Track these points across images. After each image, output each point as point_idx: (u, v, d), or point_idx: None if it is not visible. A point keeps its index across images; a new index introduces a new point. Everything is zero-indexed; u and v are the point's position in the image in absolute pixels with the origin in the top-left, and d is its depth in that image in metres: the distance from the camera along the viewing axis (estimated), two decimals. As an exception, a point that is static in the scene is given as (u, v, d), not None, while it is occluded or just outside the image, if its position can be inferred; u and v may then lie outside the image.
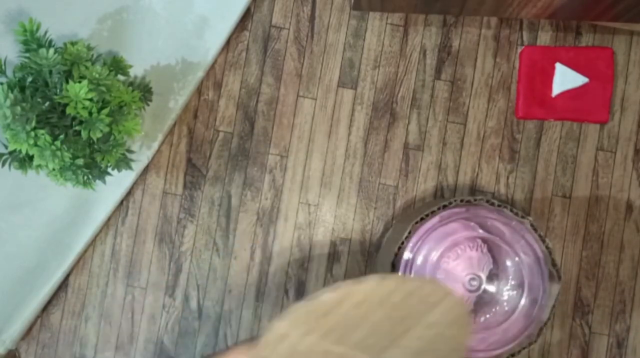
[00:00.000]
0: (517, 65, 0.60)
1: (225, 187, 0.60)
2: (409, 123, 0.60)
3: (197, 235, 0.60)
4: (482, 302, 0.57)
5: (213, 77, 0.61)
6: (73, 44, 0.49)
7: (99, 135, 0.47)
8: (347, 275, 0.59)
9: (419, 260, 0.53)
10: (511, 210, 0.54)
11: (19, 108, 0.44)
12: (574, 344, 0.60)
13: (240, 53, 0.61)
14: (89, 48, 0.50)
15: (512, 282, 0.57)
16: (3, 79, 0.50)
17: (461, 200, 0.53)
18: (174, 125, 0.60)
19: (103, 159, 0.50)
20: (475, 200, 0.55)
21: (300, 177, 0.60)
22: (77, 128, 0.48)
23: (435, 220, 0.52)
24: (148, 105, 0.56)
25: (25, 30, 0.48)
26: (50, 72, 0.47)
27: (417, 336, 0.38)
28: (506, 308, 0.56)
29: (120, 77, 0.53)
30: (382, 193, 0.60)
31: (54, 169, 0.47)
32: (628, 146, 0.60)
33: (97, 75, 0.47)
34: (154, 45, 0.59)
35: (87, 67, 0.48)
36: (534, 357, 0.60)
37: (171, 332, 0.60)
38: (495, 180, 0.60)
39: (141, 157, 0.59)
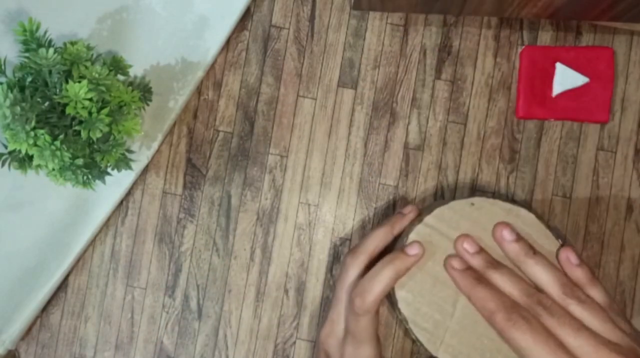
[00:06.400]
0: (517, 65, 0.60)
1: (225, 187, 0.60)
2: (409, 123, 0.60)
3: (197, 235, 0.60)
4: (482, 302, 0.57)
5: (213, 77, 0.61)
6: (73, 43, 0.48)
7: (99, 135, 0.47)
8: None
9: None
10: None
11: (18, 108, 0.44)
12: (574, 344, 0.60)
13: (240, 53, 0.61)
14: (89, 48, 0.50)
15: (512, 282, 0.57)
16: (3, 79, 0.50)
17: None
18: (174, 125, 0.60)
19: (103, 159, 0.50)
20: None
21: (300, 177, 0.60)
22: (76, 128, 0.48)
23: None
24: (148, 105, 0.56)
25: (24, 30, 0.48)
26: (50, 72, 0.47)
27: None
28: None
29: (120, 77, 0.53)
30: (382, 193, 0.60)
31: (53, 169, 0.47)
32: (628, 146, 0.60)
33: (96, 75, 0.47)
34: (154, 45, 0.58)
35: (86, 67, 0.48)
36: (534, 357, 0.60)
37: (171, 332, 0.60)
38: (495, 180, 0.60)
39: (141, 157, 0.58)
